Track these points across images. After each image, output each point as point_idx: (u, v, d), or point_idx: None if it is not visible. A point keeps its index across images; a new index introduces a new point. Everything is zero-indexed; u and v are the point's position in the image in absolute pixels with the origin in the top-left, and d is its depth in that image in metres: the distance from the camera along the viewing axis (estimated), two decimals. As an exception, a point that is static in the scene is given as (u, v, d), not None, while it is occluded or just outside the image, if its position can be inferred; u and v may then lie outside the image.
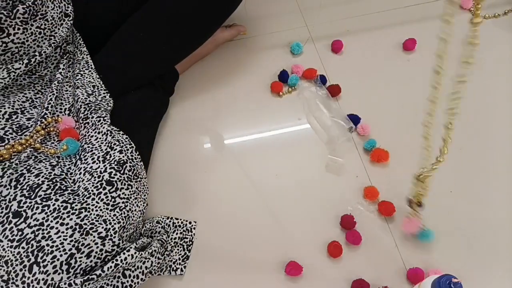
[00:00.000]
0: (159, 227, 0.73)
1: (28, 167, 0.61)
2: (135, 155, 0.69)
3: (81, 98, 0.71)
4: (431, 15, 1.03)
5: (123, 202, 0.62)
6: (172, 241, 0.72)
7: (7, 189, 0.59)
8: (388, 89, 0.92)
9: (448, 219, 0.76)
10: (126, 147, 0.67)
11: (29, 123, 0.67)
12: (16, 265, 0.54)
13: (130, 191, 0.63)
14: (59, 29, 0.72)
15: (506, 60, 0.96)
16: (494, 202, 0.78)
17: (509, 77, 0.93)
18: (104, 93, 0.73)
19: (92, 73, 0.74)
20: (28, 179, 0.59)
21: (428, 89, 0.91)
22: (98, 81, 0.74)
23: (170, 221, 0.75)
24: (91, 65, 0.75)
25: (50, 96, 0.70)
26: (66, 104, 0.72)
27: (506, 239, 0.74)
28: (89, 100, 0.71)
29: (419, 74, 0.94)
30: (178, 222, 0.75)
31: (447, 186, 0.79)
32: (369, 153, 0.83)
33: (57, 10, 0.71)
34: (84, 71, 0.74)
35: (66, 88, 0.73)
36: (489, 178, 0.80)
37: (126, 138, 0.69)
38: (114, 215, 0.60)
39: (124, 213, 0.61)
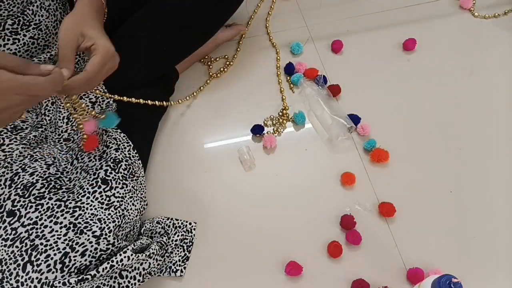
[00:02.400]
0: (159, 228, 0.73)
1: (23, 166, 0.61)
2: (132, 153, 0.69)
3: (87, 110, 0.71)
4: (431, 15, 1.03)
5: (118, 201, 0.61)
6: (172, 243, 0.72)
7: (2, 188, 0.58)
8: (388, 89, 0.92)
9: (448, 219, 0.76)
10: (123, 145, 0.67)
11: (23, 125, 0.67)
12: (10, 264, 0.54)
13: (125, 190, 0.63)
14: (53, 38, 0.70)
15: (506, 60, 0.95)
16: (494, 202, 0.78)
17: (509, 77, 0.93)
18: (107, 99, 0.73)
19: None
20: (23, 178, 0.59)
21: (428, 89, 0.92)
22: (100, 84, 0.73)
23: (170, 222, 0.75)
24: None
25: (45, 102, 0.69)
26: (64, 112, 0.72)
27: (506, 239, 0.74)
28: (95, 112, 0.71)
29: (419, 74, 0.94)
30: (178, 223, 0.75)
31: (447, 186, 0.79)
32: (369, 153, 0.82)
33: (52, 18, 0.68)
34: None
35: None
36: (489, 178, 0.80)
37: (124, 136, 0.69)
38: (109, 214, 0.59)
39: (119, 212, 0.61)
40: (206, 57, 0.97)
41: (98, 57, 0.54)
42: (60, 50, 0.53)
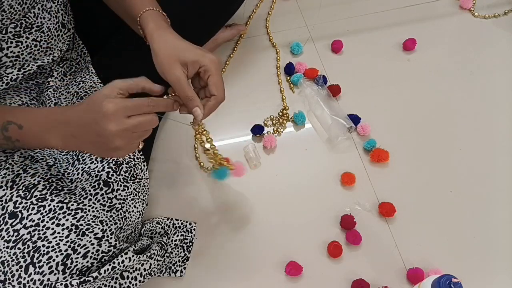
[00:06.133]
0: (159, 228, 0.73)
1: (24, 167, 0.61)
2: (137, 155, 0.69)
3: None
4: (431, 15, 1.03)
5: (119, 203, 0.61)
6: (172, 243, 0.72)
7: (3, 189, 0.58)
8: (388, 89, 0.92)
9: (448, 219, 0.76)
10: None
11: None
12: (12, 265, 0.54)
13: (126, 192, 0.63)
14: (55, 40, 0.69)
15: (506, 60, 0.95)
16: (494, 202, 0.78)
17: (509, 77, 0.93)
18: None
19: (93, 78, 0.74)
20: (24, 179, 0.59)
21: (428, 89, 0.92)
22: (100, 85, 0.73)
23: (170, 222, 0.75)
24: (91, 70, 0.75)
25: (48, 103, 0.69)
26: None
27: (506, 239, 0.74)
28: None
29: (419, 74, 0.94)
30: (178, 223, 0.75)
31: (447, 186, 0.79)
32: (369, 153, 0.82)
33: (54, 20, 0.67)
34: (85, 77, 0.74)
35: (65, 95, 0.73)
36: (489, 178, 0.80)
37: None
38: (111, 216, 0.60)
39: (121, 214, 0.61)
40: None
41: (214, 76, 0.57)
42: (180, 93, 0.57)
